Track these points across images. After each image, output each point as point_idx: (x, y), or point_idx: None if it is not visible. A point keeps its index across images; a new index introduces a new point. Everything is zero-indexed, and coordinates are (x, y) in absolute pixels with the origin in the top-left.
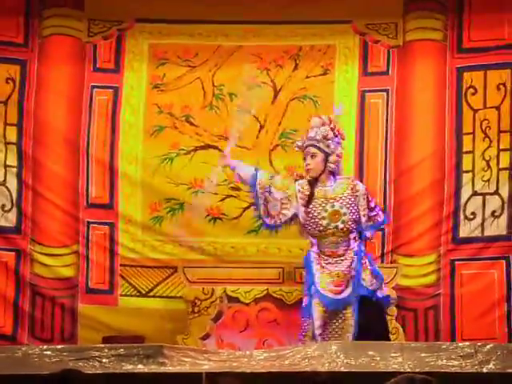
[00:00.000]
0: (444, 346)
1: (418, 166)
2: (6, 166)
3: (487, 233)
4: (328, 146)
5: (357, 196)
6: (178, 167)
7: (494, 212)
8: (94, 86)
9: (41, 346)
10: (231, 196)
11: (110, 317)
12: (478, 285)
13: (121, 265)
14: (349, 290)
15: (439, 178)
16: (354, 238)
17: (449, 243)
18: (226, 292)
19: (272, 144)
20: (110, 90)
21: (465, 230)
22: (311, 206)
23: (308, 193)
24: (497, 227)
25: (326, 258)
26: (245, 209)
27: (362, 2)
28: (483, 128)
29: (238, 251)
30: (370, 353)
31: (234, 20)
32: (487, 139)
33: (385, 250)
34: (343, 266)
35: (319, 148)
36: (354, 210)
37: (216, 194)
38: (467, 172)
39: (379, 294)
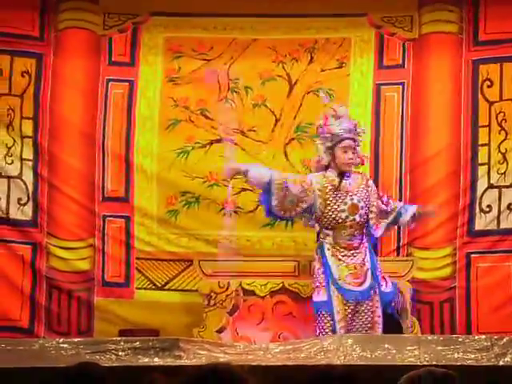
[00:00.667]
0: (460, 339)
1: (433, 159)
2: (22, 160)
3: (503, 225)
4: (359, 137)
5: (369, 191)
6: (193, 161)
7: (509, 205)
8: (109, 80)
9: (57, 339)
10: (246, 189)
11: (126, 310)
12: (494, 278)
13: (136, 258)
14: (367, 283)
15: (455, 170)
16: (366, 232)
17: (464, 236)
18: (242, 285)
19: (287, 138)
20: (126, 84)
21: (480, 223)
22: (331, 199)
23: (337, 184)
24: None
25: (341, 249)
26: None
27: None
28: (499, 121)
29: (254, 244)
30: (386, 346)
31: (249, 13)
32: (503, 132)
33: (400, 243)
34: (359, 258)
35: (356, 141)
36: (368, 205)
37: (232, 187)
38: (483, 165)
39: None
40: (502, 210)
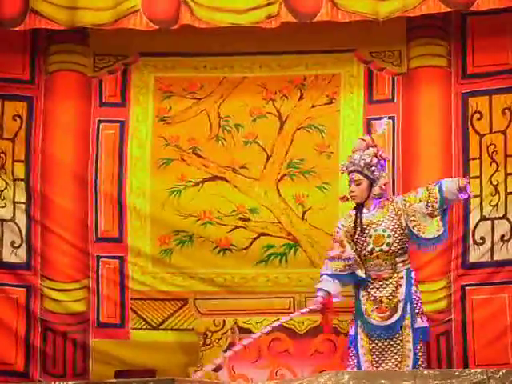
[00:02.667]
0: (456, 373)
1: None
2: (14, 203)
3: (497, 257)
4: (373, 173)
5: (400, 214)
6: (186, 199)
7: (503, 236)
8: (100, 121)
9: (53, 383)
10: (240, 227)
11: (122, 350)
12: (490, 310)
13: (131, 298)
14: (396, 316)
15: None
16: (402, 261)
17: (459, 268)
18: (238, 323)
19: (279, 174)
20: (117, 124)
21: (474, 255)
22: (356, 236)
23: (353, 223)
24: (506, 251)
25: (372, 281)
26: (254, 239)
27: (365, 30)
28: (490, 153)
29: (248, 282)
30: (383, 381)
31: (238, 51)
32: (494, 164)
33: None
34: (387, 291)
35: (364, 175)
36: (398, 232)
37: (225, 225)
38: (475, 197)
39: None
40: (495, 241)
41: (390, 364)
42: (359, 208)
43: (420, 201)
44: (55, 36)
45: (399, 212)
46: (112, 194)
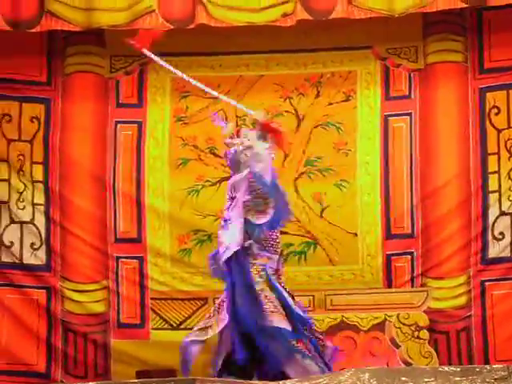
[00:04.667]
0: (477, 369)
1: (443, 188)
2: (33, 205)
3: None
4: None
5: None
6: (204, 199)
7: None
8: (117, 122)
9: (74, 383)
10: None
11: (143, 351)
12: (510, 305)
13: (151, 298)
14: None
15: (466, 199)
16: None
17: (478, 264)
18: None
19: (297, 172)
20: (134, 125)
21: (494, 251)
22: None
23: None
24: None
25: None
26: None
27: (381, 27)
28: (508, 147)
29: None
30: (403, 378)
31: (254, 50)
32: None
33: (414, 274)
34: None
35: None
36: None
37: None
38: (494, 192)
39: None
40: None
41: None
42: None
43: None
44: (71, 37)
45: None
46: (130, 195)
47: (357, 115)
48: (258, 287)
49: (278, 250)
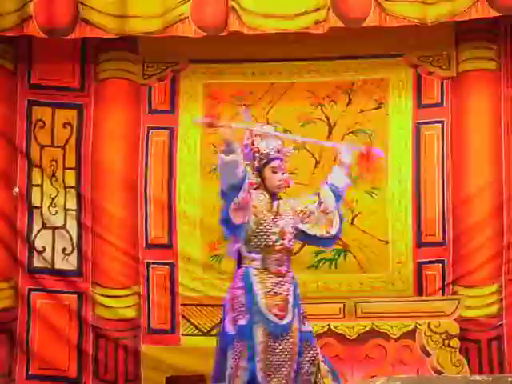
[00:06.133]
0: (510, 379)
1: (475, 196)
2: (66, 210)
3: None
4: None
5: (293, 213)
6: None
7: None
8: (150, 128)
9: None
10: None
11: (173, 356)
12: None
13: (181, 304)
14: (289, 317)
15: (498, 207)
16: (290, 262)
17: (510, 273)
18: None
19: None
20: (166, 131)
21: None
22: (265, 218)
23: (269, 206)
24: None
25: (271, 275)
26: (303, 244)
27: (413, 34)
28: None
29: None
30: None
31: (286, 58)
32: None
33: (445, 282)
34: (285, 289)
35: (284, 161)
36: (293, 231)
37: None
38: None
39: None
40: None
41: (279, 364)
42: (274, 196)
43: (314, 202)
44: (105, 44)
45: (294, 213)
46: (162, 201)
47: (388, 123)
48: None
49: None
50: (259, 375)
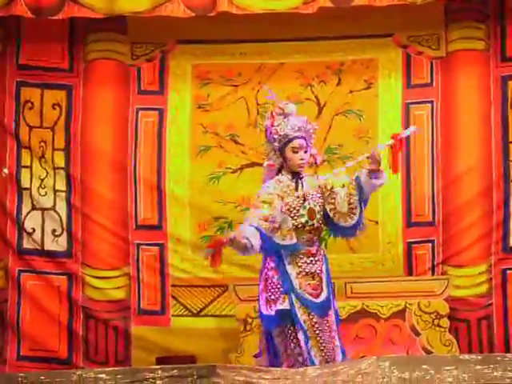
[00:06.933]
0: (499, 358)
1: (465, 176)
2: (55, 191)
3: None
4: (311, 140)
5: (322, 193)
6: (225, 186)
7: None
8: (139, 109)
9: (95, 369)
10: None
11: (163, 337)
12: None
13: (172, 285)
14: (324, 294)
15: (487, 187)
16: (321, 239)
17: (499, 252)
18: None
19: None
20: (155, 112)
21: None
22: (290, 203)
23: (293, 188)
24: None
25: (301, 256)
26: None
27: (402, 14)
28: None
29: None
30: (424, 366)
31: (276, 38)
32: None
33: (435, 262)
34: (318, 267)
35: (308, 141)
36: (322, 209)
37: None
38: None
39: None
40: None
41: (329, 342)
42: (297, 176)
43: (343, 186)
44: (93, 24)
45: (322, 190)
46: (151, 182)
47: (378, 103)
48: None
49: None
50: (315, 356)
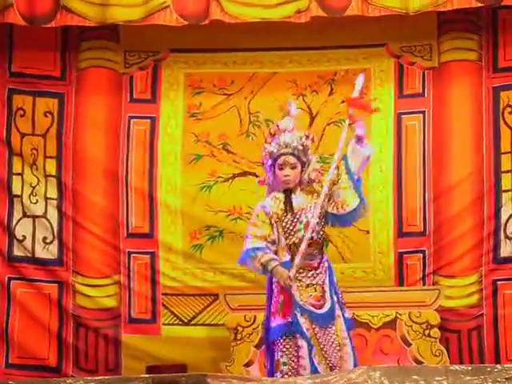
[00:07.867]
0: (489, 369)
1: (457, 187)
2: (46, 199)
3: None
4: (307, 156)
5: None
6: (216, 195)
7: None
8: (131, 117)
9: (85, 378)
10: None
11: (153, 346)
12: None
13: (162, 294)
14: (328, 304)
15: (479, 197)
16: (324, 250)
17: (490, 263)
18: None
19: None
20: (148, 120)
21: (506, 250)
22: (286, 220)
23: (286, 204)
24: None
25: (301, 271)
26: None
27: (395, 24)
28: None
29: None
30: (415, 377)
31: (268, 47)
32: None
33: (426, 272)
34: (319, 279)
35: (298, 157)
36: (322, 218)
37: None
38: (506, 191)
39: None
40: None
41: (333, 351)
42: (288, 192)
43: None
44: (86, 32)
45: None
46: (143, 190)
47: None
48: None
49: None
50: (318, 363)
